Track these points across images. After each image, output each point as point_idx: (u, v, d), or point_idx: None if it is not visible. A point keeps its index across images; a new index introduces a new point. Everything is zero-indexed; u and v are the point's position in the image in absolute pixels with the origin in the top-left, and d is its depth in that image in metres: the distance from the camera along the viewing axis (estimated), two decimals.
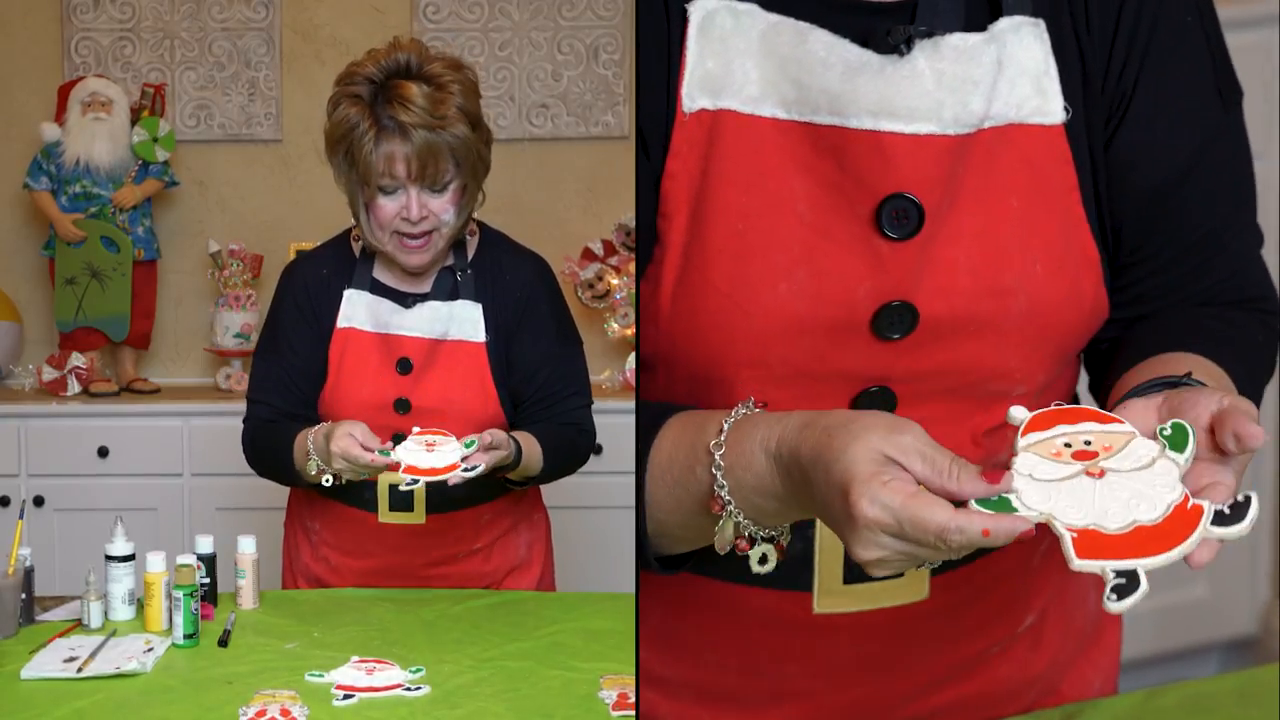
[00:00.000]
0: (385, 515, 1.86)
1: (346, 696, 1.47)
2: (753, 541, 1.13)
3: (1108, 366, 1.30)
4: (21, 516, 1.82)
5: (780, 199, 1.15)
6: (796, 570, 1.28)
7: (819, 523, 1.25)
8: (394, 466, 1.66)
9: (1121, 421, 1.04)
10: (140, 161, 3.26)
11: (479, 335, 1.85)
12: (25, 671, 1.52)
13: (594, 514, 2.94)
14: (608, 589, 1.93)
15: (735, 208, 1.16)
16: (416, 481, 1.64)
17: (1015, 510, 0.98)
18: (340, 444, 1.68)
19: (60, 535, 3.03)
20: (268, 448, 1.85)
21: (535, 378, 1.86)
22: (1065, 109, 1.20)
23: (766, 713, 1.35)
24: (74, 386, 3.19)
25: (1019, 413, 1.04)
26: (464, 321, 1.84)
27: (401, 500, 1.85)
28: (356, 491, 1.86)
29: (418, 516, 1.85)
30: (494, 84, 3.39)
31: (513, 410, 1.88)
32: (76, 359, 3.20)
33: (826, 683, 1.34)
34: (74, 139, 3.19)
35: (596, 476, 2.92)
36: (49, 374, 3.22)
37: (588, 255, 3.36)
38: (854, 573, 1.28)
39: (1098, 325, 1.27)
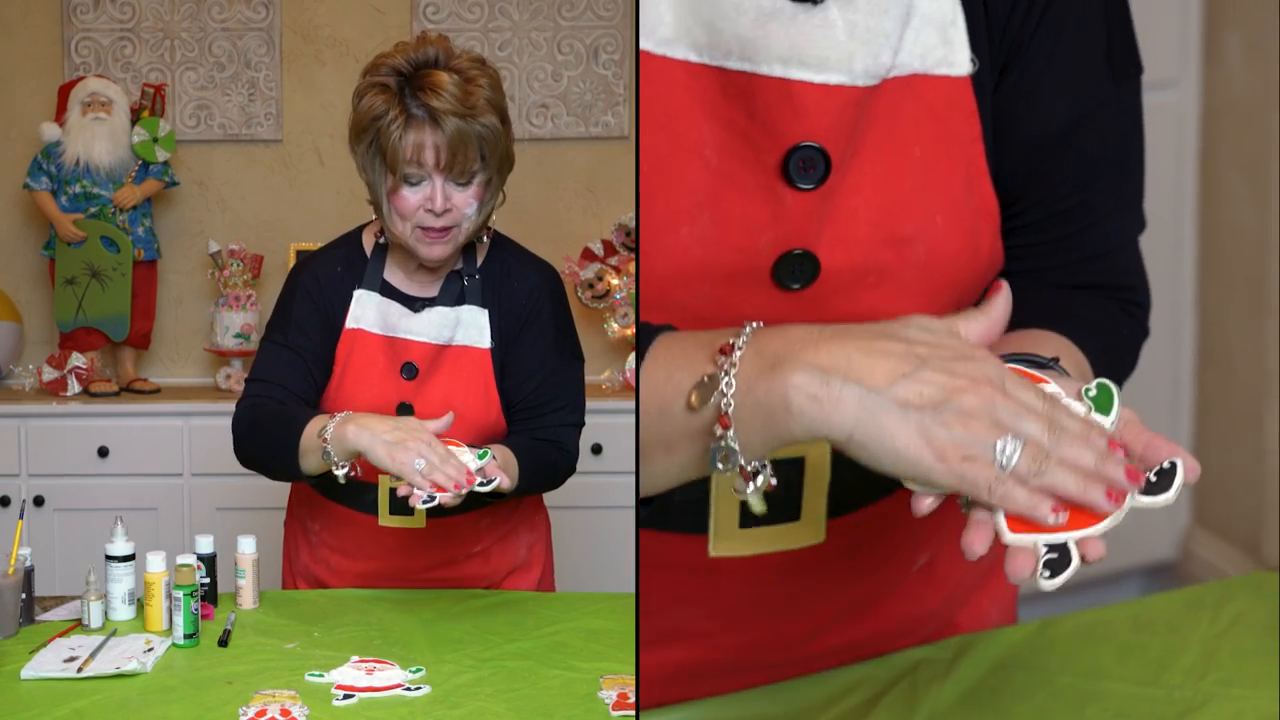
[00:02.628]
0: (385, 519, 1.85)
1: (346, 696, 1.47)
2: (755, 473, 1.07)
3: None
4: (21, 516, 1.83)
5: (687, 143, 1.14)
6: (692, 514, 1.27)
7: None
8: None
9: (1048, 381, 1.04)
10: (140, 161, 3.26)
11: (484, 341, 1.84)
12: (25, 671, 1.52)
13: (594, 514, 2.94)
14: (608, 589, 1.93)
15: (643, 149, 1.15)
16: (433, 499, 1.60)
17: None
18: (405, 457, 1.62)
19: (60, 535, 3.03)
20: (268, 425, 1.79)
21: (525, 385, 1.84)
22: (972, 60, 1.19)
23: (662, 652, 1.35)
24: (74, 386, 3.19)
25: None
26: (470, 327, 1.84)
27: (401, 504, 1.83)
28: (356, 494, 1.85)
29: (418, 520, 1.85)
30: None
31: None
32: (76, 359, 3.20)
33: (723, 624, 1.35)
34: (74, 139, 3.19)
35: (596, 476, 2.93)
36: (49, 374, 3.22)
37: (588, 255, 3.37)
38: (749, 518, 1.27)
39: (994, 275, 1.27)
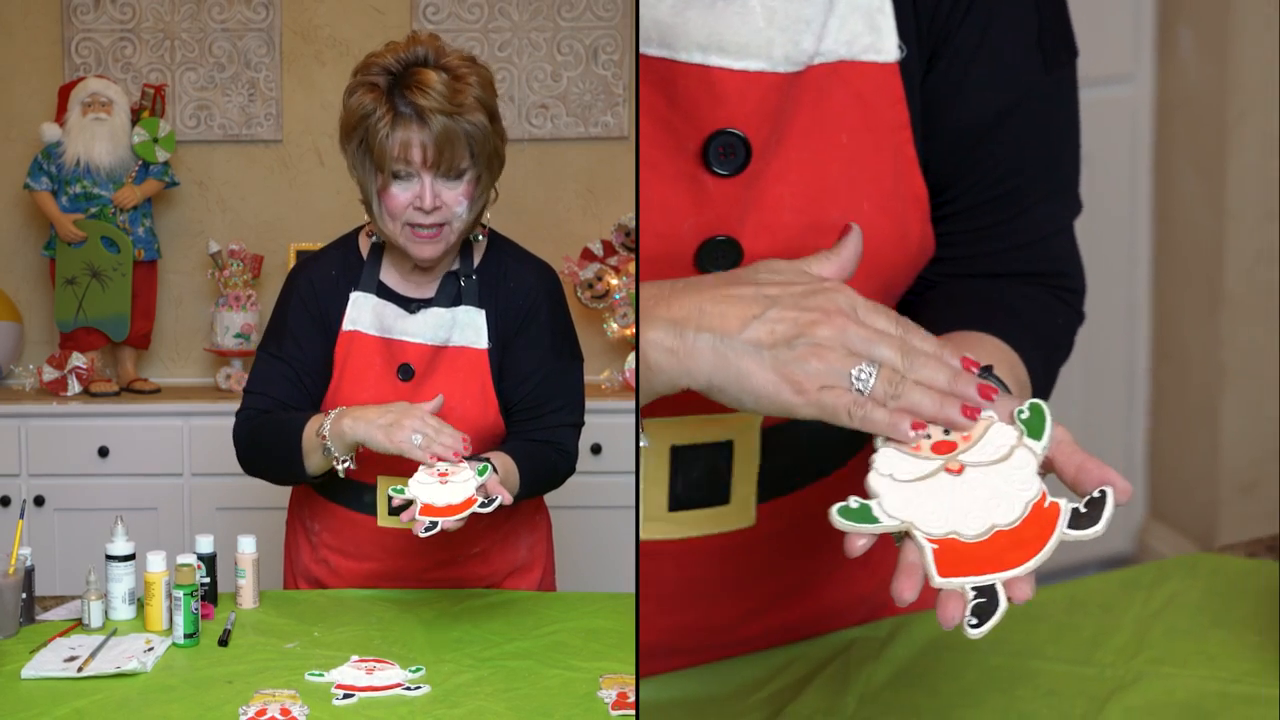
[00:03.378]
0: (384, 519, 1.85)
1: (346, 696, 1.47)
2: None
3: None
4: (22, 516, 1.83)
5: None
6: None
7: (641, 453, 1.26)
8: (422, 509, 1.61)
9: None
10: (140, 162, 3.26)
11: (481, 342, 1.83)
12: (25, 671, 1.52)
13: (594, 514, 2.94)
14: (608, 589, 1.93)
15: None
16: (435, 525, 1.59)
17: (876, 520, 1.00)
18: (401, 436, 1.66)
19: (60, 535, 3.04)
20: (266, 434, 1.81)
21: (523, 386, 1.84)
22: (900, 47, 1.19)
23: None
24: (74, 386, 3.19)
25: None
26: (466, 328, 1.83)
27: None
28: (355, 495, 1.86)
29: None
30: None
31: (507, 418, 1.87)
32: (77, 359, 3.20)
33: (654, 606, 1.35)
34: (74, 139, 3.19)
35: (596, 476, 2.93)
36: (49, 374, 3.22)
37: (587, 255, 3.37)
38: (678, 500, 1.28)
39: (924, 263, 1.27)
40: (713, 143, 1.15)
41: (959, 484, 1.01)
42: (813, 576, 1.39)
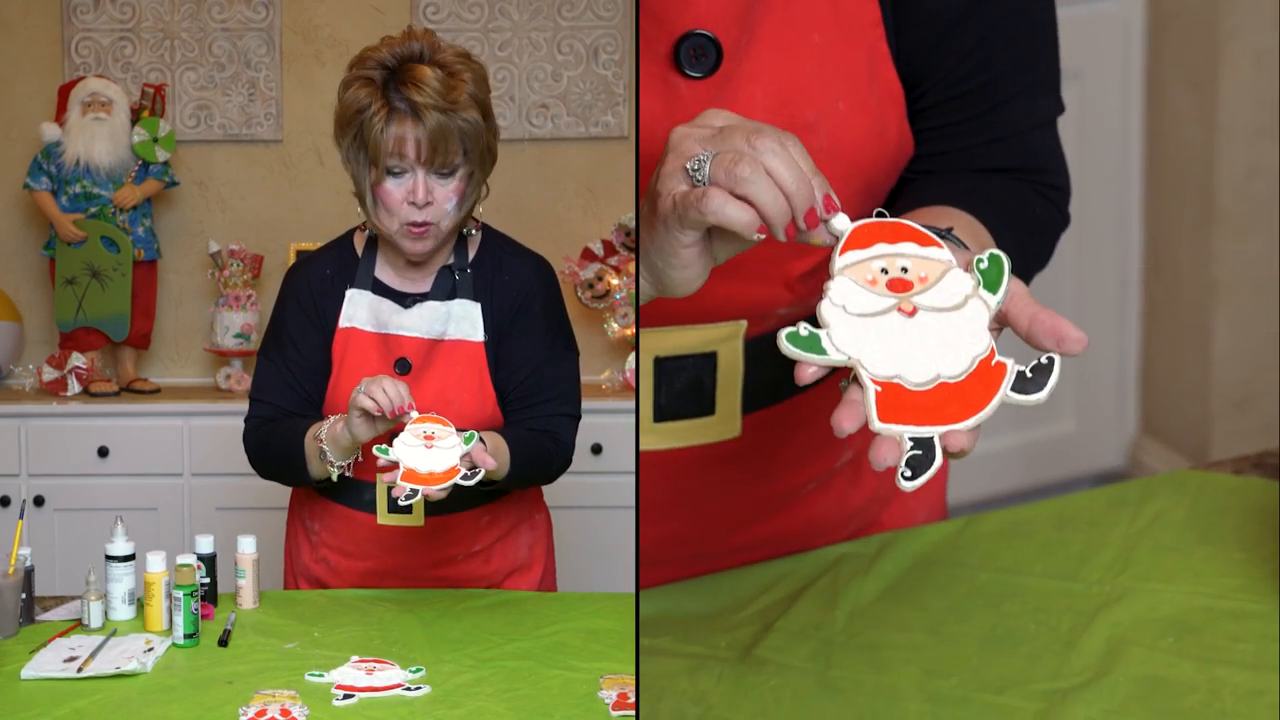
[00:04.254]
0: (384, 517, 1.85)
1: (346, 696, 1.47)
2: None
3: None
4: (21, 516, 1.83)
5: None
6: None
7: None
8: (404, 476, 1.63)
9: (941, 246, 1.03)
10: (140, 162, 3.26)
11: (478, 335, 1.84)
12: (25, 671, 1.52)
13: (594, 514, 2.94)
14: (608, 589, 1.93)
15: None
16: (415, 494, 1.61)
17: (824, 352, 0.98)
18: (351, 398, 1.67)
19: (60, 535, 3.03)
20: (274, 443, 1.84)
21: (516, 375, 1.84)
22: None
23: None
24: (74, 386, 3.19)
25: (841, 223, 1.02)
26: (462, 320, 1.84)
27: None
28: (355, 492, 1.86)
29: (417, 519, 1.85)
30: (494, 84, 3.36)
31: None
32: (77, 359, 3.20)
33: (642, 516, 1.35)
34: (74, 139, 3.19)
35: (596, 476, 2.93)
36: (49, 374, 3.22)
37: (588, 255, 3.37)
38: (662, 411, 1.28)
39: (904, 161, 1.26)
40: (683, 44, 1.14)
41: (910, 326, 0.99)
42: (802, 488, 1.39)
